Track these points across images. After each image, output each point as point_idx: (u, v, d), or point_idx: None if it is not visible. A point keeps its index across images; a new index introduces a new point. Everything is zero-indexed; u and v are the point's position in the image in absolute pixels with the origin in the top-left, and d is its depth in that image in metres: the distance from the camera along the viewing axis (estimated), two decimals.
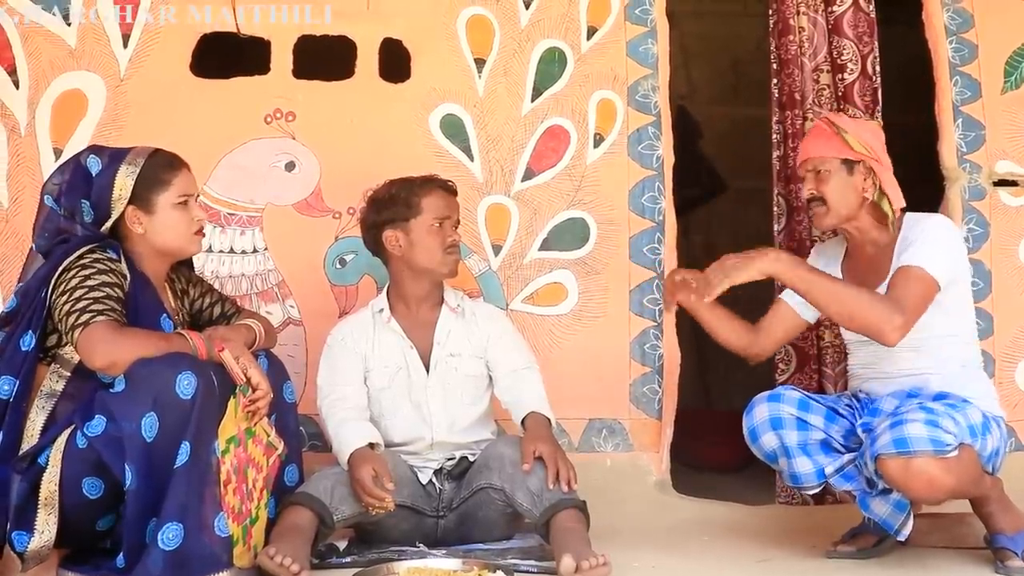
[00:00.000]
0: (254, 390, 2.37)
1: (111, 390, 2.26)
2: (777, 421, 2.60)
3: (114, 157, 2.46)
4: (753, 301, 4.41)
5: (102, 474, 2.26)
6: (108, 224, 2.43)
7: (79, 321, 2.26)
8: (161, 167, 2.47)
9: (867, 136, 2.70)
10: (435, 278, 2.87)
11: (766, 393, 2.67)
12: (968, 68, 3.33)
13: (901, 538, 2.53)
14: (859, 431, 2.57)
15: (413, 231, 2.81)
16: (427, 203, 2.82)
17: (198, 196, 2.56)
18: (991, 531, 2.55)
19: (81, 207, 2.43)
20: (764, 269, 2.48)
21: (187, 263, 2.67)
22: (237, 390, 2.35)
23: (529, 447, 2.62)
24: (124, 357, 2.24)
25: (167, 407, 2.19)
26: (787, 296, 2.82)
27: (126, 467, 2.20)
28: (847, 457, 2.57)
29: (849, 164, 2.66)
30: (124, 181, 2.43)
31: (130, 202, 2.43)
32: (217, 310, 2.67)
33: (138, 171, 2.43)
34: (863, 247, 2.72)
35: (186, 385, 2.20)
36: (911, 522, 2.50)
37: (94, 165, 2.45)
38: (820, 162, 2.68)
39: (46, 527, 2.24)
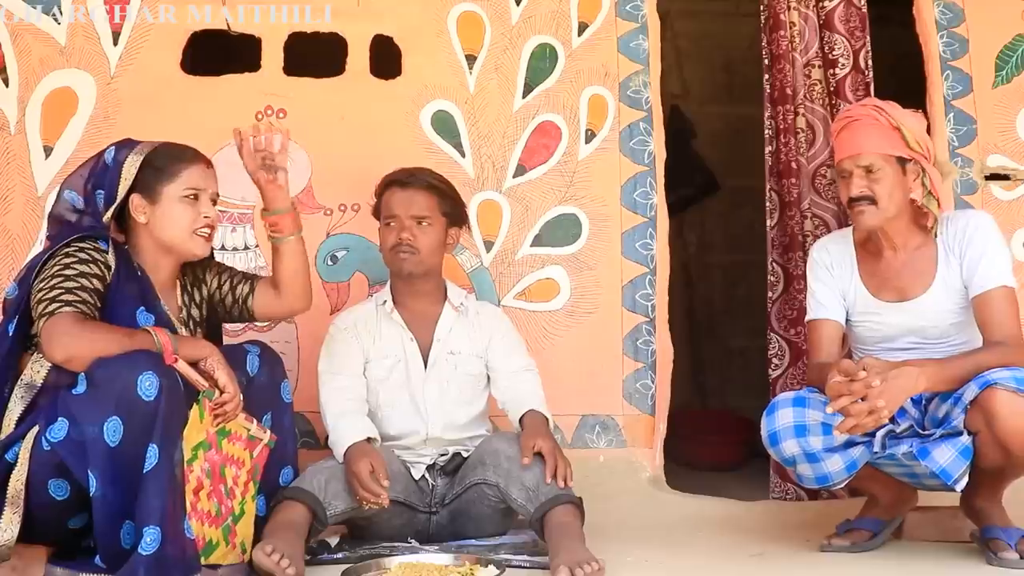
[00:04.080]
0: (221, 392, 2.31)
1: (73, 390, 2.21)
2: (802, 428, 2.52)
3: (127, 146, 2.45)
4: (751, 301, 4.42)
5: (67, 476, 2.20)
6: (111, 211, 2.40)
7: (46, 311, 2.23)
8: (171, 158, 2.44)
9: (920, 131, 2.57)
10: (395, 276, 2.87)
11: (790, 396, 2.58)
12: (959, 62, 3.34)
13: (958, 488, 2.41)
14: (932, 406, 2.53)
15: (380, 231, 2.87)
16: (383, 201, 2.86)
17: (215, 195, 2.50)
18: (982, 524, 2.54)
19: (95, 197, 2.42)
20: (915, 391, 2.40)
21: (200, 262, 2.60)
22: (201, 396, 2.28)
23: (528, 442, 2.62)
24: (83, 351, 2.19)
25: (131, 410, 2.13)
26: (827, 314, 2.68)
27: (89, 473, 2.14)
28: (883, 431, 2.45)
29: (902, 162, 2.55)
30: (129, 169, 2.41)
31: (137, 191, 2.41)
32: (243, 289, 2.61)
33: (142, 158, 2.41)
34: (894, 250, 2.62)
35: (148, 387, 2.13)
36: (967, 477, 2.39)
37: (110, 155, 2.45)
38: (874, 158, 2.53)
39: (9, 526, 2.19)
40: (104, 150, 2.47)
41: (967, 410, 2.39)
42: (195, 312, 2.56)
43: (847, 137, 2.61)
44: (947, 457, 2.38)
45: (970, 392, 2.37)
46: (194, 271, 2.60)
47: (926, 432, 2.48)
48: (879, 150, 2.54)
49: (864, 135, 2.57)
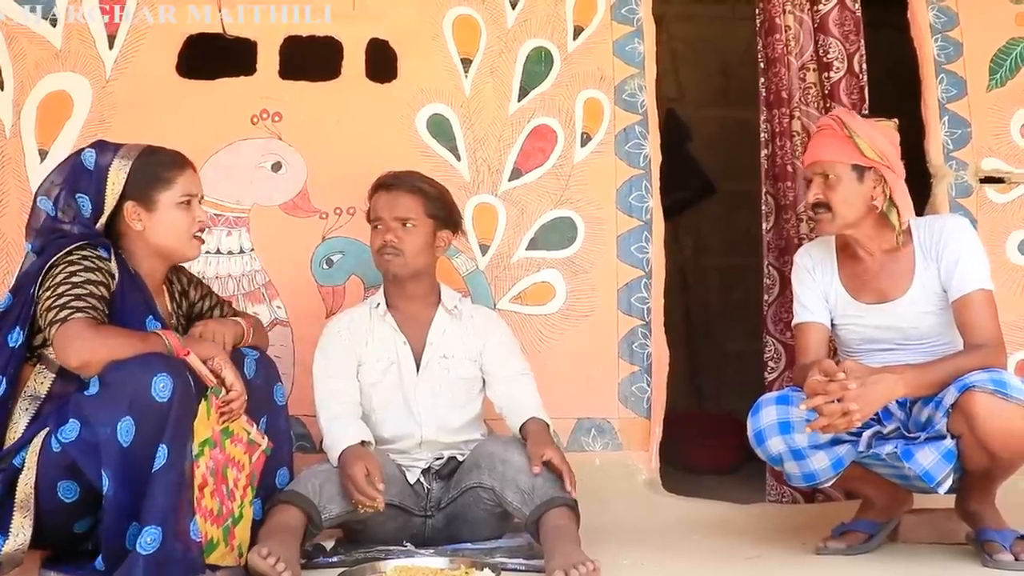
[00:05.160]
0: (228, 391, 2.34)
1: (85, 392, 2.22)
2: (786, 425, 2.54)
3: (109, 150, 2.45)
4: (747, 305, 4.43)
5: (77, 478, 2.22)
6: (103, 219, 2.40)
7: (57, 317, 2.23)
8: (164, 165, 2.45)
9: (880, 141, 2.59)
10: (385, 279, 2.87)
11: (774, 395, 2.62)
12: (953, 66, 3.34)
13: (941, 491, 2.43)
14: (915, 409, 2.54)
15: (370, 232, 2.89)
16: (371, 204, 2.86)
17: (202, 197, 2.53)
18: (976, 527, 2.55)
19: (78, 203, 2.41)
20: (892, 397, 2.44)
21: (184, 273, 2.64)
22: (209, 392, 2.31)
23: (537, 451, 2.61)
24: (98, 356, 2.20)
25: (144, 411, 2.15)
26: (812, 317, 2.71)
27: (102, 473, 2.16)
28: (869, 432, 2.48)
29: (859, 170, 2.58)
30: (116, 175, 2.41)
31: (131, 198, 2.41)
32: (217, 313, 2.66)
33: (130, 164, 2.41)
34: (869, 254, 2.66)
35: (162, 388, 2.16)
36: (951, 479, 2.42)
37: (89, 159, 2.43)
38: (829, 166, 2.59)
39: (21, 530, 2.21)
40: (79, 153, 2.46)
41: (949, 414, 2.40)
42: (182, 319, 2.58)
43: (810, 146, 2.71)
44: (930, 460, 2.40)
45: (950, 396, 2.40)
46: (179, 279, 2.61)
47: (911, 435, 2.49)
48: (833, 158, 2.59)
49: (821, 144, 2.64)
